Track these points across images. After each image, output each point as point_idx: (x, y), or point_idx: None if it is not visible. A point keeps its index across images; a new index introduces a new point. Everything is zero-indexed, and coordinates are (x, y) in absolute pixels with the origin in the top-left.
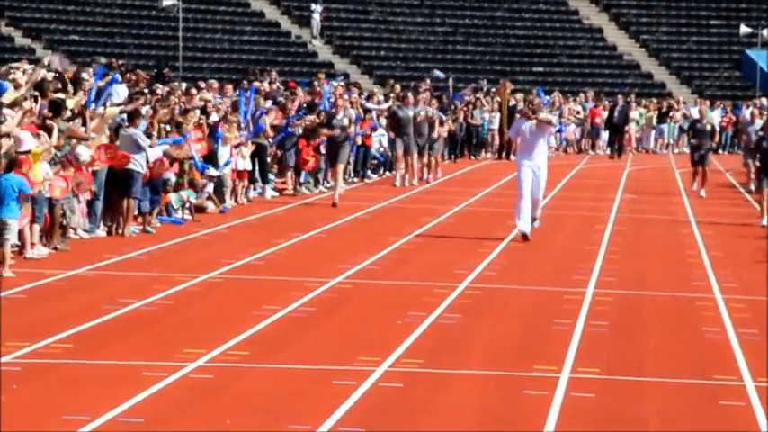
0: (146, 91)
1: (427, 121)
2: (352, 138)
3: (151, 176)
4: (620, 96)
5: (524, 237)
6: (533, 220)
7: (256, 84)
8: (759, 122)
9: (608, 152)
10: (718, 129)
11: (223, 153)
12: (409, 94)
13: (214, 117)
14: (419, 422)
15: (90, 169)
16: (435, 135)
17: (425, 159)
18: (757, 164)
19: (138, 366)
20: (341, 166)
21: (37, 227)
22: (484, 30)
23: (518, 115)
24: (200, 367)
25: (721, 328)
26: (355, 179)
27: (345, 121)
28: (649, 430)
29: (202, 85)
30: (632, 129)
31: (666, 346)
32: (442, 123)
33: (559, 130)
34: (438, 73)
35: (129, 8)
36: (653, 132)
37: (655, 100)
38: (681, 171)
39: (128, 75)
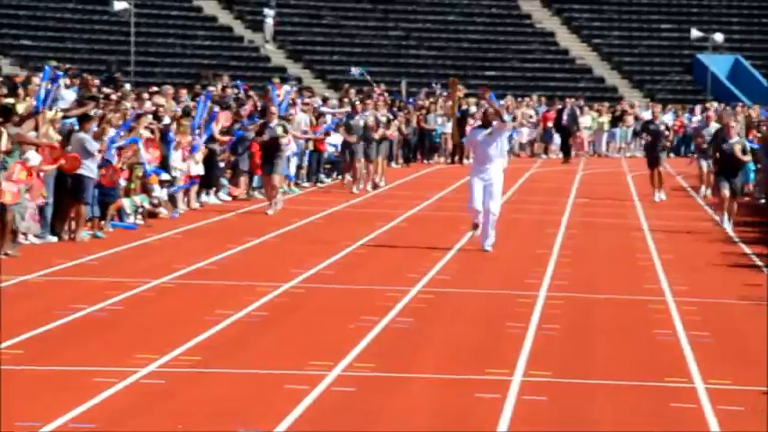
0: (98, 95)
1: (375, 124)
2: (300, 145)
3: (103, 183)
4: (567, 100)
5: (475, 225)
6: (485, 237)
7: (211, 88)
8: (714, 125)
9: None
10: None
11: (175, 157)
12: (356, 101)
13: (166, 121)
14: (372, 426)
15: (41, 174)
16: (377, 136)
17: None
18: (711, 167)
19: (90, 372)
20: (276, 177)
21: None
22: (436, 34)
23: (471, 121)
24: (153, 372)
25: (672, 331)
26: (307, 183)
27: (279, 130)
28: None
29: (154, 88)
30: (585, 133)
31: (618, 349)
32: (387, 125)
33: (510, 136)
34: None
35: (80, 13)
36: (605, 136)
37: (607, 104)
38: (633, 175)
39: (75, 79)
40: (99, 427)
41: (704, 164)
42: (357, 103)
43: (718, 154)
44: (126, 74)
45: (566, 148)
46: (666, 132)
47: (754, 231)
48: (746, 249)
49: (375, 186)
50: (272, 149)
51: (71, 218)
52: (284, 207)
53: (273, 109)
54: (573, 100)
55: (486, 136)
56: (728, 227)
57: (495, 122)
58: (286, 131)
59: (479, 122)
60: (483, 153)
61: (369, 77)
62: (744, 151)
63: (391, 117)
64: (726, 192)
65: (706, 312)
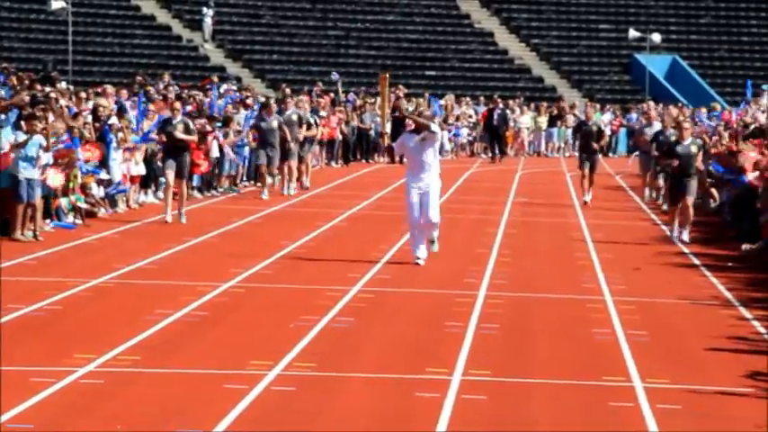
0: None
1: (297, 124)
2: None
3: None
4: (497, 100)
5: (416, 263)
6: (431, 242)
7: (150, 88)
8: (657, 124)
9: (488, 157)
10: (608, 131)
11: (115, 157)
12: (271, 102)
13: (113, 120)
14: (312, 425)
15: None
16: (300, 137)
17: (294, 164)
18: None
19: (28, 372)
20: (184, 181)
21: None
22: (376, 33)
23: (403, 128)
24: (91, 372)
25: (611, 330)
26: (247, 183)
27: (181, 128)
28: (540, 431)
29: (98, 90)
30: (524, 132)
31: (557, 348)
32: (309, 126)
33: (456, 134)
34: (336, 75)
35: (17, 11)
36: (543, 135)
37: (546, 104)
38: (572, 174)
39: (11, 78)
40: (37, 428)
41: (661, 176)
42: (272, 103)
43: (671, 158)
44: (64, 73)
45: (495, 148)
46: (602, 132)
47: (691, 231)
48: (684, 249)
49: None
50: (179, 150)
51: (10, 217)
52: (215, 208)
53: (177, 105)
54: (500, 101)
55: (419, 141)
56: (686, 237)
57: (424, 132)
58: (189, 131)
59: (411, 127)
60: (417, 160)
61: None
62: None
63: (313, 119)
64: (689, 199)
65: (644, 311)
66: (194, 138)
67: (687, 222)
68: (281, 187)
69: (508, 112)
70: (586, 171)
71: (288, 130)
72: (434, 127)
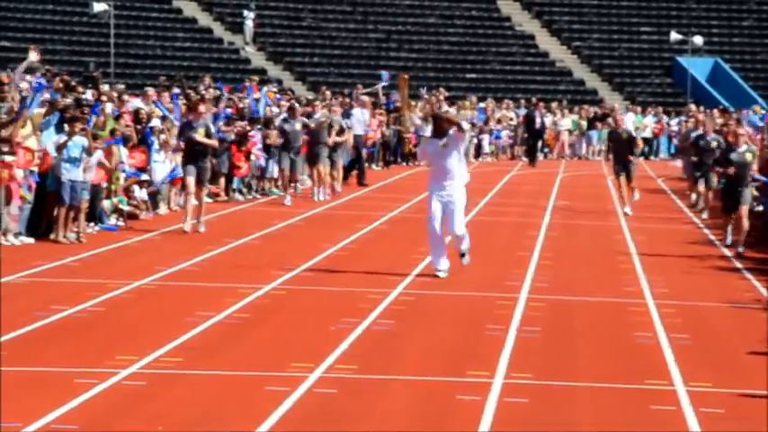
0: (68, 101)
1: (321, 127)
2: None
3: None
4: (538, 102)
5: (436, 275)
6: (461, 255)
7: (190, 91)
8: (714, 136)
9: (529, 158)
10: (639, 136)
11: (158, 159)
12: (296, 104)
13: (155, 123)
14: (353, 428)
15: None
16: (330, 142)
17: (324, 169)
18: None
19: (71, 373)
20: (203, 189)
21: None
22: (417, 36)
23: (422, 128)
24: (134, 374)
25: (653, 333)
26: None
27: (202, 132)
28: None
29: (137, 93)
30: (564, 135)
31: (598, 351)
32: (341, 131)
33: (497, 137)
34: (385, 75)
35: (60, 14)
36: (583, 138)
37: (587, 106)
38: (612, 177)
39: (55, 79)
40: (81, 428)
41: (702, 182)
42: (296, 105)
43: (727, 167)
44: (106, 75)
45: (532, 153)
46: (634, 139)
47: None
48: (726, 252)
49: (333, 194)
50: (198, 157)
51: (53, 219)
52: (255, 210)
53: (202, 108)
54: (541, 104)
55: (441, 147)
56: (741, 249)
57: (451, 131)
58: (210, 136)
59: (431, 132)
60: (439, 167)
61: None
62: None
63: (344, 123)
64: (744, 209)
65: (685, 315)
66: (215, 142)
67: (742, 234)
68: (311, 192)
69: (550, 115)
70: (623, 181)
71: (317, 134)
72: (465, 125)
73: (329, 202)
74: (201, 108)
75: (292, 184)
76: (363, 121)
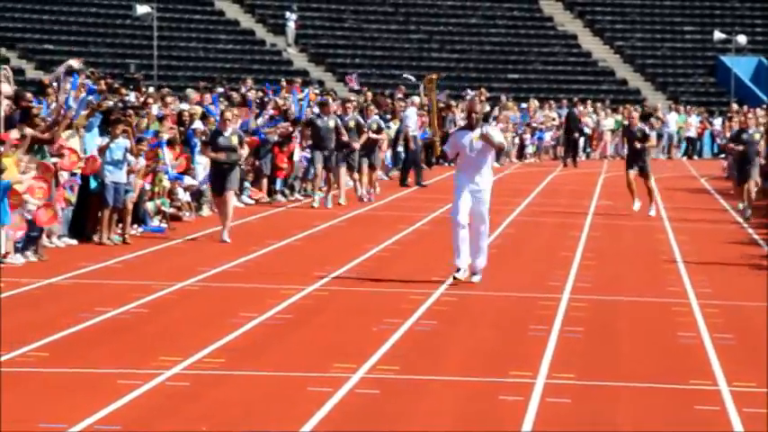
0: (114, 103)
1: (355, 131)
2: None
3: (84, 173)
4: (576, 101)
5: (455, 278)
6: (473, 274)
7: (233, 92)
8: (755, 130)
9: (571, 159)
10: (684, 135)
11: (200, 161)
12: (330, 100)
13: (197, 125)
14: (396, 428)
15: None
16: (357, 146)
17: (358, 174)
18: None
19: (114, 374)
20: (230, 194)
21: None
22: (458, 37)
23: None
24: (177, 375)
25: (696, 333)
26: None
27: (235, 140)
28: None
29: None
30: (607, 135)
31: (641, 351)
32: (379, 131)
33: (540, 138)
34: (409, 77)
35: (103, 17)
36: None
37: (630, 106)
38: (655, 177)
39: (99, 81)
40: (124, 429)
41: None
42: (330, 101)
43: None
44: (149, 78)
45: (570, 152)
46: (647, 135)
47: None
48: None
49: (361, 201)
50: (225, 167)
51: (97, 221)
52: (301, 211)
53: (229, 115)
54: (572, 102)
55: (475, 140)
56: (748, 214)
57: (484, 129)
58: (242, 143)
59: (462, 124)
60: (470, 161)
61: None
62: None
63: (383, 124)
64: (751, 182)
65: (729, 314)
66: (245, 152)
67: (749, 202)
68: (355, 192)
69: (592, 115)
70: (632, 175)
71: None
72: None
73: (371, 204)
74: (228, 115)
75: (323, 187)
76: (416, 121)
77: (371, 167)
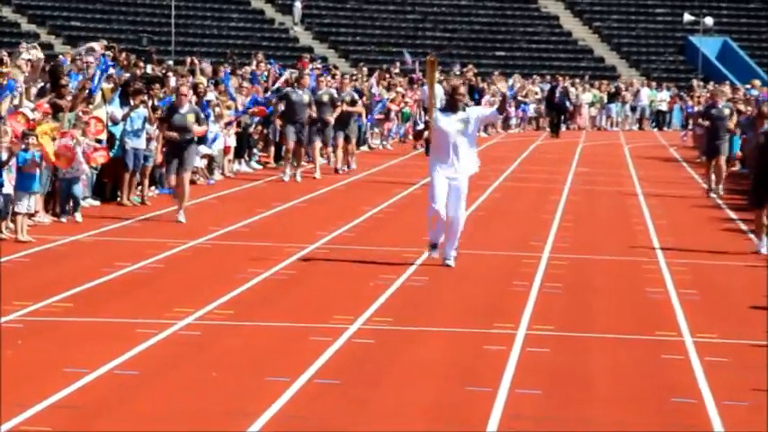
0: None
1: (328, 105)
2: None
3: (59, 165)
4: (559, 78)
5: (433, 246)
6: (444, 259)
7: (246, 68)
8: (725, 105)
9: (552, 129)
10: (655, 108)
11: (213, 129)
12: (305, 74)
13: (210, 96)
14: (390, 374)
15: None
16: (331, 119)
17: (332, 147)
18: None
19: (133, 324)
20: (186, 175)
21: (39, 197)
22: (450, 17)
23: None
24: (189, 325)
25: (663, 289)
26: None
27: (191, 118)
28: (598, 381)
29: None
30: (585, 108)
31: (614, 306)
32: (353, 103)
33: (524, 110)
34: (407, 56)
35: None
36: (604, 111)
37: (606, 82)
38: (629, 146)
39: (122, 57)
40: (141, 374)
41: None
42: (305, 75)
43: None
44: (167, 53)
45: (555, 125)
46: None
47: (740, 199)
48: (732, 215)
49: (338, 172)
50: (182, 144)
51: (118, 184)
52: (305, 176)
53: (184, 89)
54: (561, 79)
55: (458, 123)
56: (720, 191)
57: (473, 108)
58: (199, 120)
59: (444, 105)
60: (449, 145)
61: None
62: None
63: (356, 97)
64: (721, 158)
65: (694, 272)
66: (204, 129)
67: (721, 178)
68: (328, 164)
69: (571, 89)
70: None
71: (320, 111)
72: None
73: (368, 170)
74: (184, 90)
75: (295, 161)
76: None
77: (347, 140)
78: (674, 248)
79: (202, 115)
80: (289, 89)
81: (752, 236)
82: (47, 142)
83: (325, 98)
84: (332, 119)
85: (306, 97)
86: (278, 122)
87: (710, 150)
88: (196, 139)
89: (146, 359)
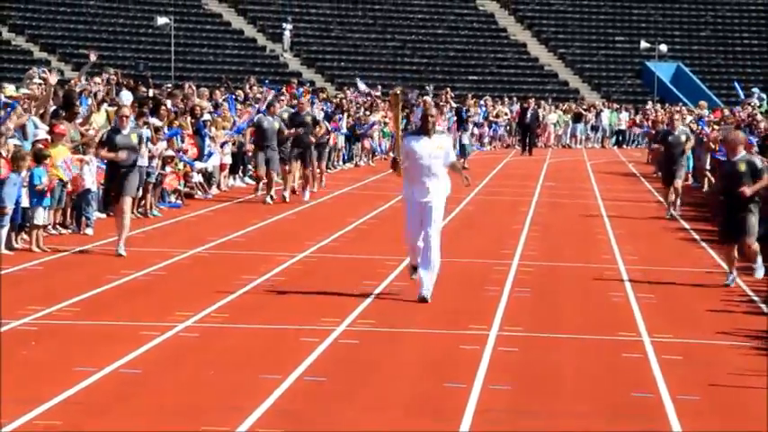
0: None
1: (311, 126)
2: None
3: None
4: (530, 101)
5: (414, 268)
6: (421, 288)
7: (239, 91)
8: (682, 130)
9: (520, 149)
10: (623, 128)
11: (210, 146)
12: (276, 102)
13: (206, 117)
14: (374, 372)
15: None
16: (313, 140)
17: (308, 169)
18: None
19: (137, 327)
20: (127, 201)
21: (52, 211)
22: (427, 45)
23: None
24: (188, 327)
25: (624, 293)
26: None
27: (134, 139)
28: (564, 378)
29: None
30: (551, 128)
31: (578, 308)
32: (316, 123)
33: (495, 130)
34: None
35: (128, 26)
36: (569, 130)
37: (571, 104)
38: (591, 163)
39: (128, 80)
40: (144, 372)
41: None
42: (276, 103)
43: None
44: (167, 78)
45: (526, 143)
46: (317, 122)
47: (693, 211)
48: (686, 225)
49: (300, 193)
50: (124, 168)
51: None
52: (297, 192)
53: (125, 111)
54: (532, 101)
55: (432, 147)
56: (676, 212)
57: (443, 132)
58: (141, 141)
59: (415, 128)
60: (421, 168)
61: (363, 89)
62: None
63: (320, 120)
64: (678, 182)
65: (652, 278)
66: (144, 150)
67: (677, 200)
68: (301, 191)
69: (540, 111)
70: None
71: (303, 132)
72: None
73: (353, 184)
74: (125, 111)
75: (264, 184)
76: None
77: (304, 163)
78: (634, 256)
79: (144, 137)
80: (260, 116)
81: (703, 243)
82: (61, 174)
83: (308, 119)
84: (313, 140)
85: (276, 124)
86: (249, 149)
87: (668, 175)
88: (139, 163)
89: (148, 359)
